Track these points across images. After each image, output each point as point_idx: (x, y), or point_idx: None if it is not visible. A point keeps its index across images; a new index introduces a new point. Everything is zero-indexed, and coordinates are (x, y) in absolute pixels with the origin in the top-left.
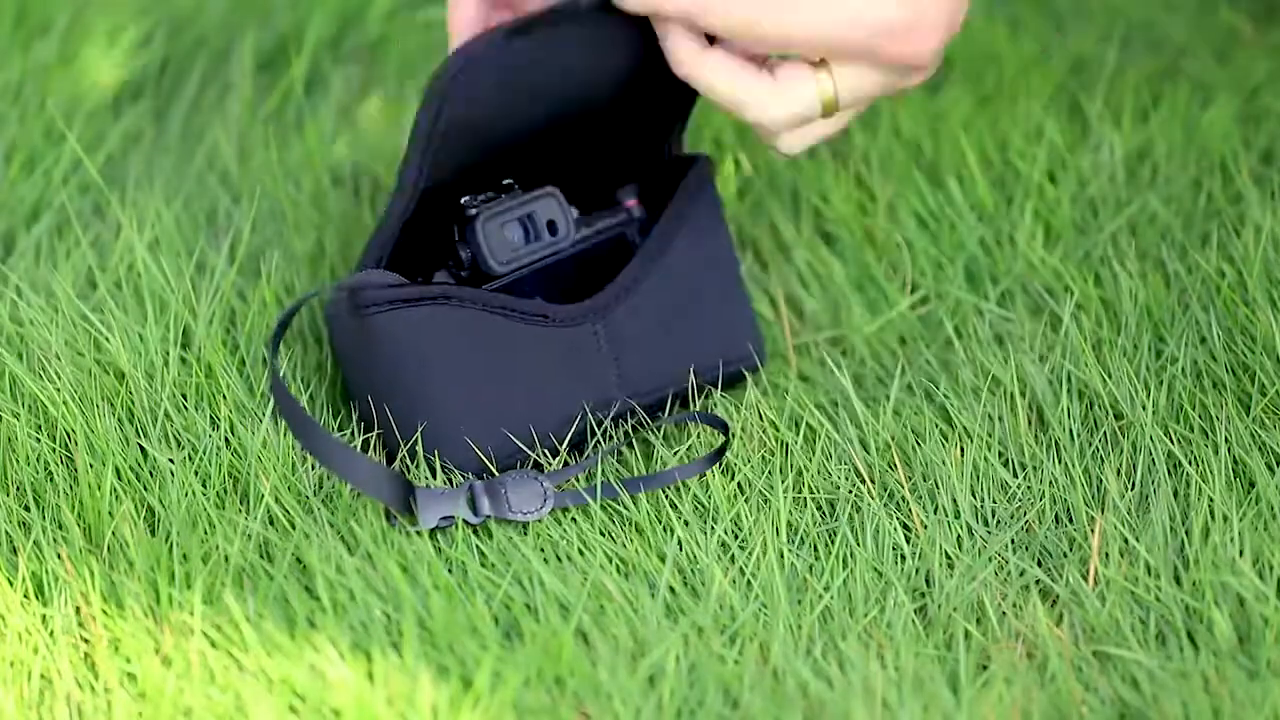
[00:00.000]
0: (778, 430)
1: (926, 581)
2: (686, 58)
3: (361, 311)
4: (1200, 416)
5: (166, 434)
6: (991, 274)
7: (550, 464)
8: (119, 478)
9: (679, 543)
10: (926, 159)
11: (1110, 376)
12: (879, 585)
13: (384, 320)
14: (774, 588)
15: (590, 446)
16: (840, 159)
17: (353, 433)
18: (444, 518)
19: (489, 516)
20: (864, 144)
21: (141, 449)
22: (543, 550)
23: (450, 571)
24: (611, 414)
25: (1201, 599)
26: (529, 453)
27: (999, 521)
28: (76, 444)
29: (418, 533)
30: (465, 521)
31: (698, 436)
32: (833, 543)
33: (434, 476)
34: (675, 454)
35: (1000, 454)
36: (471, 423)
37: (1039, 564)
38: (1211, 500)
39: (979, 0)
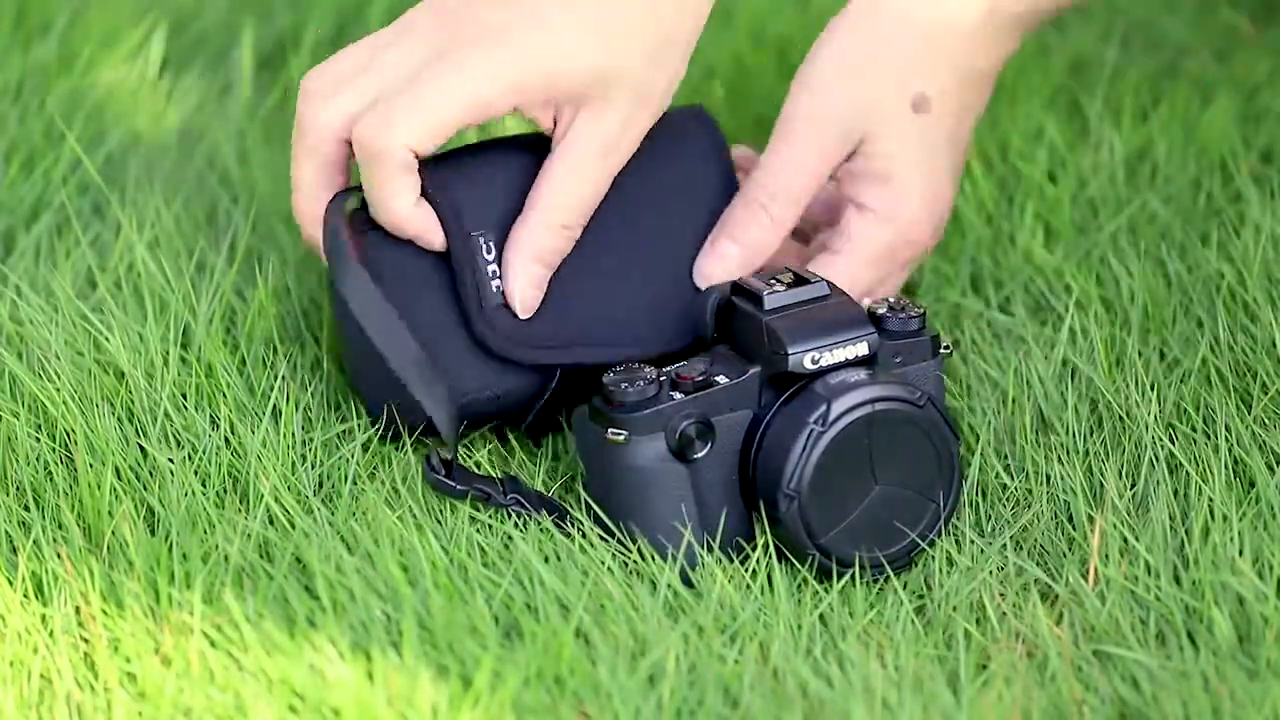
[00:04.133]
0: None
1: (926, 582)
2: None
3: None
4: (1200, 416)
5: (166, 434)
6: (992, 274)
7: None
8: (119, 477)
9: None
10: None
11: (1110, 376)
12: (879, 585)
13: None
14: (774, 588)
15: None
16: None
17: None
18: (477, 488)
19: (515, 498)
20: None
21: (141, 449)
22: (543, 549)
23: (450, 571)
24: None
25: (1201, 599)
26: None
27: (999, 522)
28: (76, 444)
29: (453, 489)
30: (494, 499)
31: None
32: None
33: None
34: None
35: (1000, 454)
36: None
37: (1039, 564)
38: (1211, 500)
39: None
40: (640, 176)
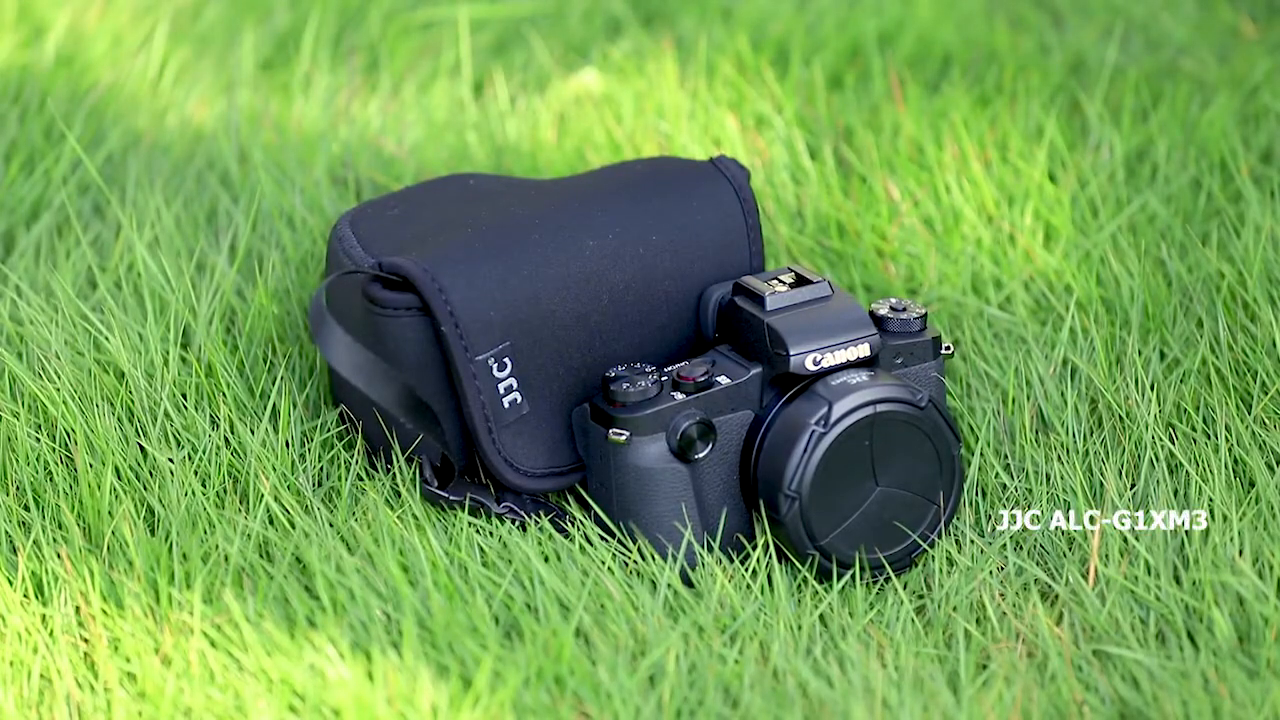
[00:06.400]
0: None
1: (926, 582)
2: None
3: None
4: (1200, 416)
5: (166, 434)
6: (992, 274)
7: None
8: (119, 477)
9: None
10: (927, 159)
11: (1110, 376)
12: (879, 585)
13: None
14: (774, 588)
15: None
16: (841, 159)
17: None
18: (472, 497)
19: (509, 507)
20: (865, 144)
21: (141, 449)
22: (543, 549)
23: (450, 571)
24: None
25: (1201, 599)
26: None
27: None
28: (76, 444)
29: (449, 502)
30: (485, 507)
31: None
32: None
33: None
34: None
35: (1000, 454)
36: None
37: (1039, 564)
38: (1211, 500)
39: (979, 0)
40: (664, 258)
